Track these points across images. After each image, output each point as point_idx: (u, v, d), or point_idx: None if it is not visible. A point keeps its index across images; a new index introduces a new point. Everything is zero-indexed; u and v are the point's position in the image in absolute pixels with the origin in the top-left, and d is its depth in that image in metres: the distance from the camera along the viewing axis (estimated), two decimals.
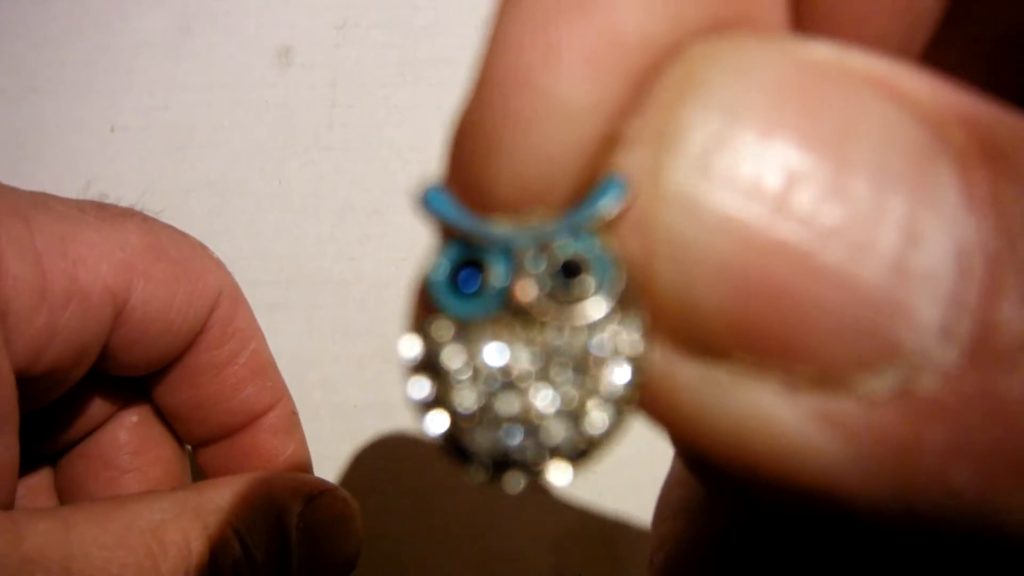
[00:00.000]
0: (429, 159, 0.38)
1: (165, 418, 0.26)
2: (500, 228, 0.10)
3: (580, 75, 0.09)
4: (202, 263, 0.24)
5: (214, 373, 0.25)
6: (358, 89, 0.39)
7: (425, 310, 0.10)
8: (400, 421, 0.34)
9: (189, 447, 0.27)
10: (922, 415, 0.09)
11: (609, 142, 0.09)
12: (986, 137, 0.09)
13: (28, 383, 0.20)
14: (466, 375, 0.10)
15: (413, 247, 0.36)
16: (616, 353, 0.09)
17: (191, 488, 0.21)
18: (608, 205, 0.09)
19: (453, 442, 0.10)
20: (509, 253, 0.10)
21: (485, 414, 0.09)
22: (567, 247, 0.09)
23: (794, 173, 0.09)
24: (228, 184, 0.38)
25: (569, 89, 0.09)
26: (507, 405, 0.09)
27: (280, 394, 0.26)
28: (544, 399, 0.09)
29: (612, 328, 0.09)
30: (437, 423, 0.10)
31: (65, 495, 0.25)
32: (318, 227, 0.37)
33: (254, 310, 0.36)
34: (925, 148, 0.09)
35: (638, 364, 0.09)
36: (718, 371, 0.09)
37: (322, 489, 0.24)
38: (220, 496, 0.21)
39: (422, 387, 0.10)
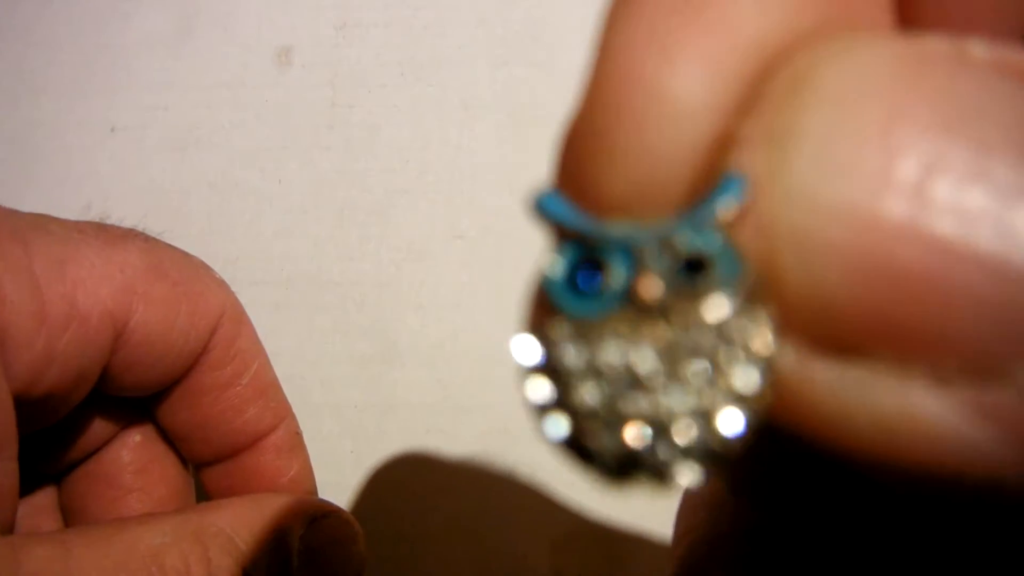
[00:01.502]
0: (429, 159, 0.38)
1: (168, 438, 0.26)
2: (619, 227, 0.10)
3: (695, 75, 0.09)
4: (204, 284, 0.24)
5: (216, 394, 0.25)
6: (358, 89, 0.38)
7: (542, 311, 0.10)
8: (400, 421, 0.35)
9: (193, 466, 0.27)
10: None
11: (723, 143, 0.09)
12: None
13: (27, 406, 0.20)
14: (588, 375, 0.09)
15: (413, 247, 0.36)
16: (747, 350, 0.09)
17: (192, 510, 0.21)
18: (730, 201, 0.09)
19: (576, 445, 0.09)
20: (629, 251, 0.09)
21: (609, 414, 0.09)
22: (690, 243, 0.09)
23: (927, 159, 0.08)
24: (228, 184, 0.38)
25: (684, 89, 0.09)
26: (633, 404, 0.09)
27: (283, 414, 0.26)
28: (672, 398, 0.09)
29: (741, 324, 0.09)
30: (558, 425, 0.09)
31: (69, 515, 0.26)
32: (318, 227, 0.37)
33: (254, 310, 0.36)
34: None
35: (770, 361, 0.09)
36: (858, 369, 0.09)
37: (325, 511, 0.24)
38: (221, 518, 0.21)
39: (541, 389, 0.09)
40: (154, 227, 0.26)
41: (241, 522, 0.21)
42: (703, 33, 0.09)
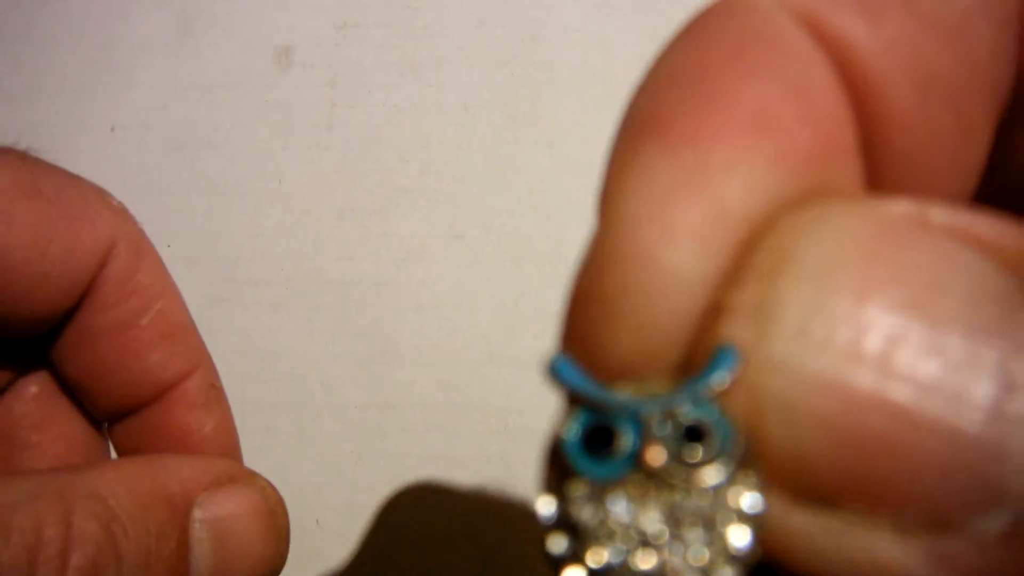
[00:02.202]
0: (429, 159, 0.38)
1: (72, 391, 0.23)
2: (626, 396, 0.11)
3: (691, 250, 0.10)
4: (90, 207, 0.21)
5: (112, 336, 0.22)
6: (358, 89, 0.39)
7: (558, 471, 0.11)
8: (400, 421, 0.35)
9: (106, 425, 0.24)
10: None
11: (713, 312, 0.10)
12: None
13: None
14: (602, 533, 0.10)
15: (413, 247, 0.36)
16: (739, 512, 0.10)
17: (66, 470, 0.19)
18: (723, 375, 0.10)
19: None
20: (637, 419, 0.10)
21: (622, 570, 0.10)
22: (689, 413, 0.10)
23: (890, 334, 0.09)
24: (228, 184, 0.38)
25: (684, 263, 0.10)
26: (644, 561, 0.10)
27: (197, 362, 0.23)
28: (678, 556, 0.10)
29: (734, 488, 0.10)
30: None
31: None
32: (318, 227, 0.37)
33: (254, 310, 0.36)
34: (1012, 294, 0.10)
35: (759, 521, 0.10)
36: (831, 519, 0.10)
37: (234, 475, 0.21)
38: (97, 479, 0.18)
39: (560, 544, 0.10)
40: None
41: (123, 485, 0.19)
42: (699, 210, 0.10)
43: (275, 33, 0.40)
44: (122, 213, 0.22)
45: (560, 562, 0.10)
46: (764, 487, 0.10)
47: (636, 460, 0.10)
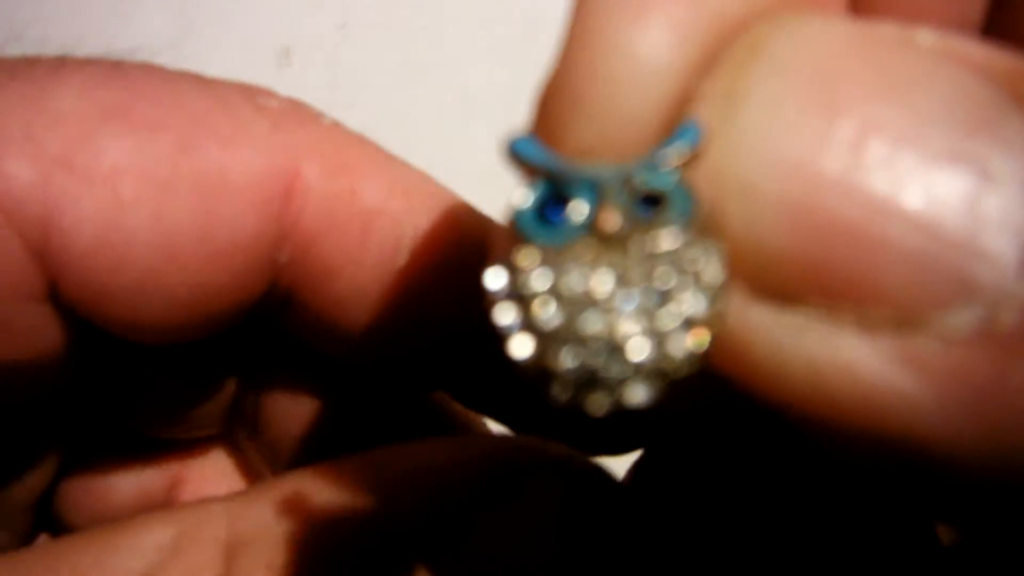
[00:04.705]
0: (429, 159, 0.38)
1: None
2: (585, 167, 0.10)
3: (662, 38, 0.10)
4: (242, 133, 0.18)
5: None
6: (358, 89, 0.38)
7: (511, 242, 0.10)
8: None
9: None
10: (1005, 352, 0.09)
11: (683, 102, 0.10)
12: None
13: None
14: (551, 298, 0.10)
15: None
16: (697, 279, 0.10)
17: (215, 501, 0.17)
18: (685, 145, 0.10)
19: (537, 364, 0.10)
20: (593, 188, 0.10)
21: (569, 333, 0.10)
22: (648, 181, 0.10)
23: (865, 121, 0.09)
24: None
25: (651, 51, 0.10)
26: (592, 324, 0.10)
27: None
28: (628, 319, 0.10)
29: (692, 255, 0.10)
30: (522, 346, 0.10)
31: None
32: None
33: None
34: (996, 100, 0.09)
35: (717, 291, 0.10)
36: (792, 315, 0.09)
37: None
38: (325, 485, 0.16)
39: (508, 313, 0.10)
40: None
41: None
42: (673, 2, 0.10)
43: (275, 33, 0.40)
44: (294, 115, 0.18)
45: (508, 332, 0.10)
46: (726, 261, 0.10)
47: (591, 226, 0.10)
